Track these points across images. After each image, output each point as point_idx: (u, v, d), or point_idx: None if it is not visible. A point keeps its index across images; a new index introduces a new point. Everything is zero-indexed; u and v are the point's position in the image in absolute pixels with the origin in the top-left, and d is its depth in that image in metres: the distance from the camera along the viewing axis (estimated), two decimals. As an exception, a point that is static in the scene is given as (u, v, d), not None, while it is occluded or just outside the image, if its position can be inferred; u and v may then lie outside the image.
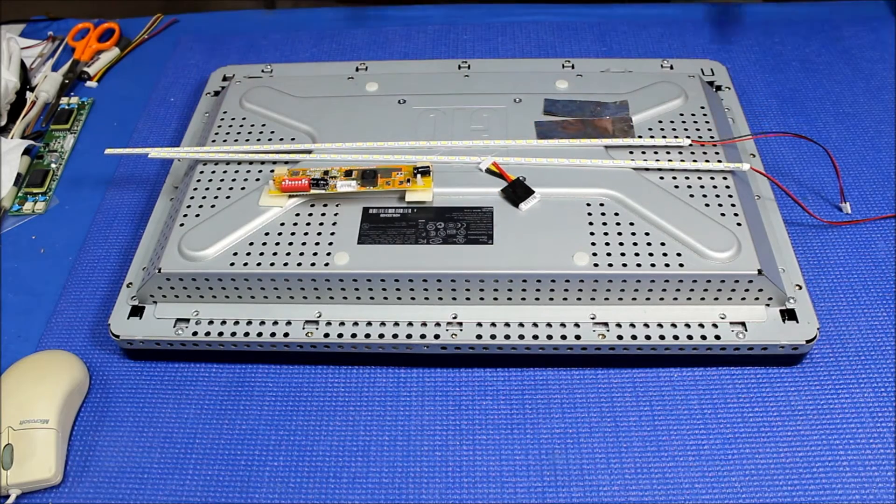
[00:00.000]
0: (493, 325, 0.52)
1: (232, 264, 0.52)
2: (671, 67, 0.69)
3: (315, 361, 0.54)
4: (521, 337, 0.51)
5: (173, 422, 0.52)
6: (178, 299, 0.54)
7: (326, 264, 0.51)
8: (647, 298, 0.51)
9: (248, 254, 0.53)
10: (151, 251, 0.57)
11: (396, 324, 0.52)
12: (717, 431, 0.49)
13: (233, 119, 0.64)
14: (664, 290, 0.51)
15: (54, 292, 0.59)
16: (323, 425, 0.51)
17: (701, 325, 0.51)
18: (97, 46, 0.80)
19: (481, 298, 0.52)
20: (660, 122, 0.61)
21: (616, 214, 0.54)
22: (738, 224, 0.53)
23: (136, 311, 0.54)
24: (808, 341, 0.50)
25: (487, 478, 0.48)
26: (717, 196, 0.55)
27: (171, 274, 0.52)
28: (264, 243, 0.53)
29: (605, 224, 0.53)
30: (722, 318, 0.51)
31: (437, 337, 0.51)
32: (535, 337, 0.51)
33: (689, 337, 0.50)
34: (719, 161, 0.57)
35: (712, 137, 0.59)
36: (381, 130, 0.61)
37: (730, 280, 0.50)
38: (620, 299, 0.52)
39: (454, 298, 0.52)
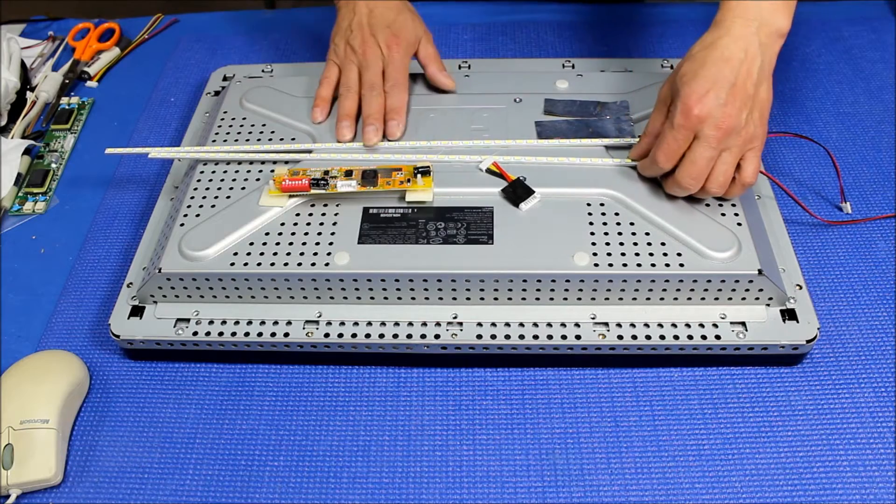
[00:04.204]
0: (493, 325, 0.51)
1: (232, 264, 0.52)
2: (671, 67, 0.69)
3: (315, 361, 0.54)
4: (521, 337, 0.51)
5: (173, 422, 0.52)
6: (178, 299, 0.54)
7: (327, 264, 0.51)
8: (648, 298, 0.51)
9: (249, 254, 0.52)
10: (151, 251, 0.57)
11: (396, 324, 0.52)
12: (717, 431, 0.49)
13: (233, 119, 0.64)
14: (664, 290, 0.51)
15: (54, 292, 0.59)
16: (323, 425, 0.51)
17: (701, 325, 0.51)
18: (97, 46, 0.80)
19: (481, 298, 0.52)
20: (660, 122, 0.61)
21: (616, 214, 0.54)
22: (739, 224, 0.53)
23: (137, 311, 0.54)
24: (808, 341, 0.50)
25: (487, 478, 0.48)
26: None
27: (171, 274, 0.52)
28: (264, 243, 0.53)
29: (605, 224, 0.53)
30: (722, 318, 0.51)
31: (437, 337, 0.51)
32: (536, 337, 0.51)
33: (690, 337, 0.50)
34: (719, 161, 0.57)
35: (712, 137, 0.59)
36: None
37: (730, 280, 0.50)
38: (620, 299, 0.52)
39: (454, 298, 0.52)
